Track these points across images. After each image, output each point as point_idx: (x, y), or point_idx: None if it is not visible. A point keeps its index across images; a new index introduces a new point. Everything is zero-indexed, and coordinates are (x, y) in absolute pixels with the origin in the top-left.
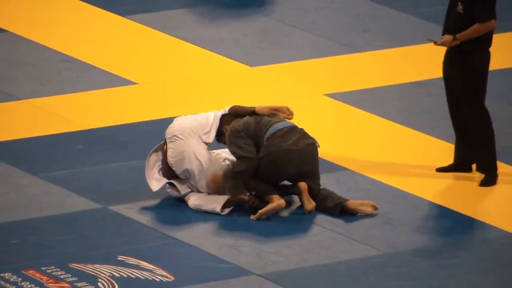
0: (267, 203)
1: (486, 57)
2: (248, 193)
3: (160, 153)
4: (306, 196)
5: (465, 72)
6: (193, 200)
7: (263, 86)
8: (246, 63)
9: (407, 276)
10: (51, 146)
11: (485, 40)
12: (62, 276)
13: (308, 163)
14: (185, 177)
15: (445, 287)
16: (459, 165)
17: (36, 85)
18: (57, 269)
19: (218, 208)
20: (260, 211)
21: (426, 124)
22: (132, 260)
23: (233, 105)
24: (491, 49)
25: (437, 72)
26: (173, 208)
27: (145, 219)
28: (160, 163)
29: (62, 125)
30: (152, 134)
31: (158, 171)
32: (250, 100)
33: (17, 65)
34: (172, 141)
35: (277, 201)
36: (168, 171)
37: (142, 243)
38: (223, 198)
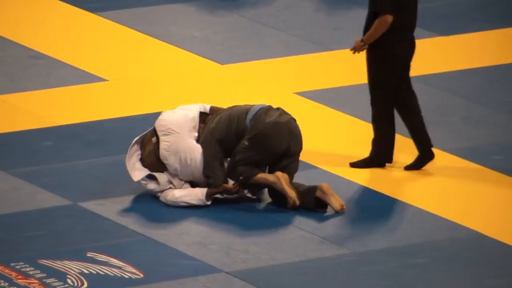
0: (253, 186)
1: (394, 53)
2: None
3: (139, 144)
4: (288, 185)
5: (371, 69)
6: (172, 195)
7: (234, 84)
8: (217, 61)
9: (377, 275)
10: (21, 142)
11: (391, 36)
12: (31, 272)
13: (295, 136)
14: (174, 172)
15: (415, 286)
16: (425, 157)
17: (5, 81)
18: (26, 265)
19: (202, 197)
20: (290, 196)
21: (396, 123)
22: (101, 257)
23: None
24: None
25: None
26: (143, 205)
27: (115, 216)
28: (139, 152)
29: (31, 122)
30: (122, 131)
31: (139, 160)
32: (221, 98)
33: None
34: (166, 134)
35: (277, 177)
36: (153, 164)
37: (111, 240)
38: (205, 189)
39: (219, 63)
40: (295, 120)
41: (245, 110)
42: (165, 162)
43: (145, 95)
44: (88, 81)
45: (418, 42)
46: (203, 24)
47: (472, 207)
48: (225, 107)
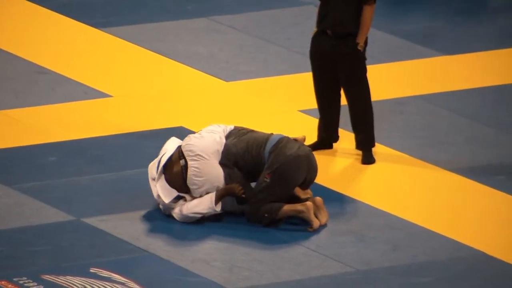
0: (280, 220)
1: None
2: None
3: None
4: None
5: (354, 53)
6: (182, 209)
7: (238, 101)
8: (221, 78)
9: None
10: (25, 157)
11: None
12: None
13: (314, 169)
14: (199, 195)
15: None
16: (322, 142)
17: (11, 96)
18: (29, 280)
19: (212, 204)
20: (313, 226)
21: (399, 142)
22: (104, 273)
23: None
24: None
25: (412, 90)
26: (147, 221)
27: (118, 231)
28: (163, 174)
29: (36, 137)
30: (126, 148)
31: (165, 181)
32: (226, 115)
33: None
34: (195, 160)
35: (307, 207)
36: (180, 186)
37: (114, 256)
38: (213, 195)
39: (224, 80)
40: (312, 152)
41: (264, 139)
42: (192, 187)
43: (149, 112)
44: (93, 97)
45: (423, 61)
46: (208, 41)
47: (476, 227)
48: (244, 126)
